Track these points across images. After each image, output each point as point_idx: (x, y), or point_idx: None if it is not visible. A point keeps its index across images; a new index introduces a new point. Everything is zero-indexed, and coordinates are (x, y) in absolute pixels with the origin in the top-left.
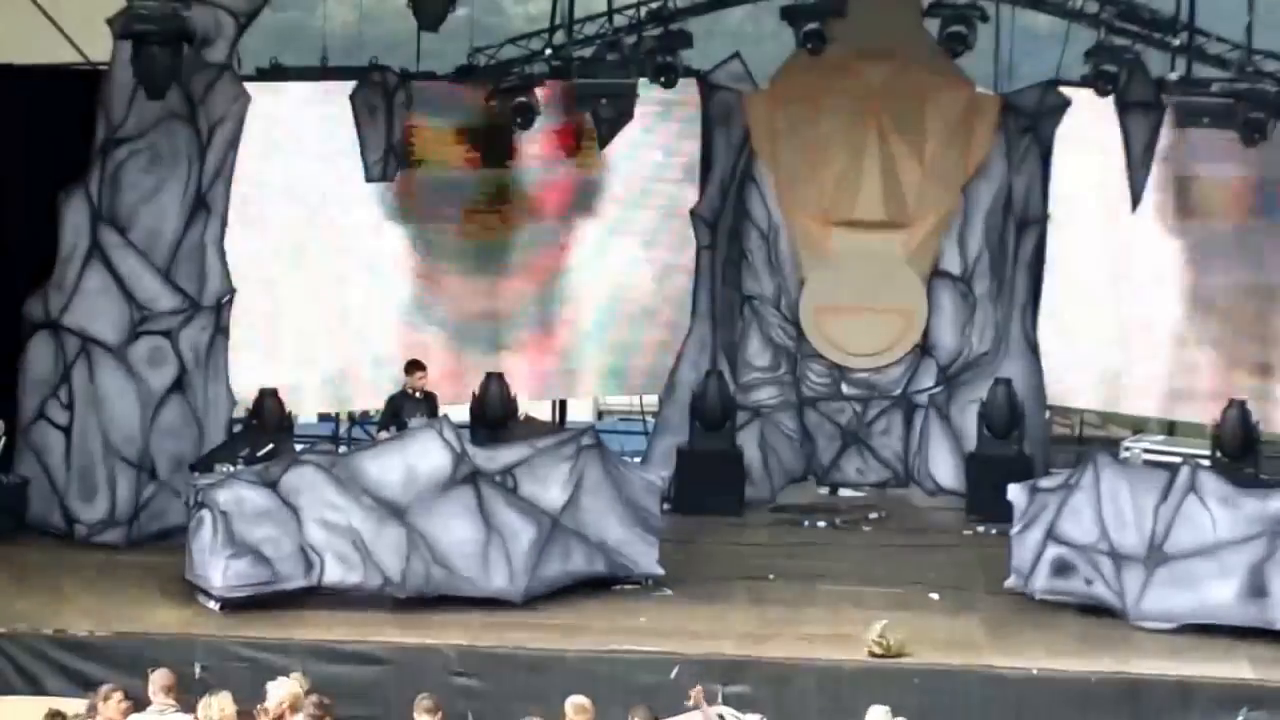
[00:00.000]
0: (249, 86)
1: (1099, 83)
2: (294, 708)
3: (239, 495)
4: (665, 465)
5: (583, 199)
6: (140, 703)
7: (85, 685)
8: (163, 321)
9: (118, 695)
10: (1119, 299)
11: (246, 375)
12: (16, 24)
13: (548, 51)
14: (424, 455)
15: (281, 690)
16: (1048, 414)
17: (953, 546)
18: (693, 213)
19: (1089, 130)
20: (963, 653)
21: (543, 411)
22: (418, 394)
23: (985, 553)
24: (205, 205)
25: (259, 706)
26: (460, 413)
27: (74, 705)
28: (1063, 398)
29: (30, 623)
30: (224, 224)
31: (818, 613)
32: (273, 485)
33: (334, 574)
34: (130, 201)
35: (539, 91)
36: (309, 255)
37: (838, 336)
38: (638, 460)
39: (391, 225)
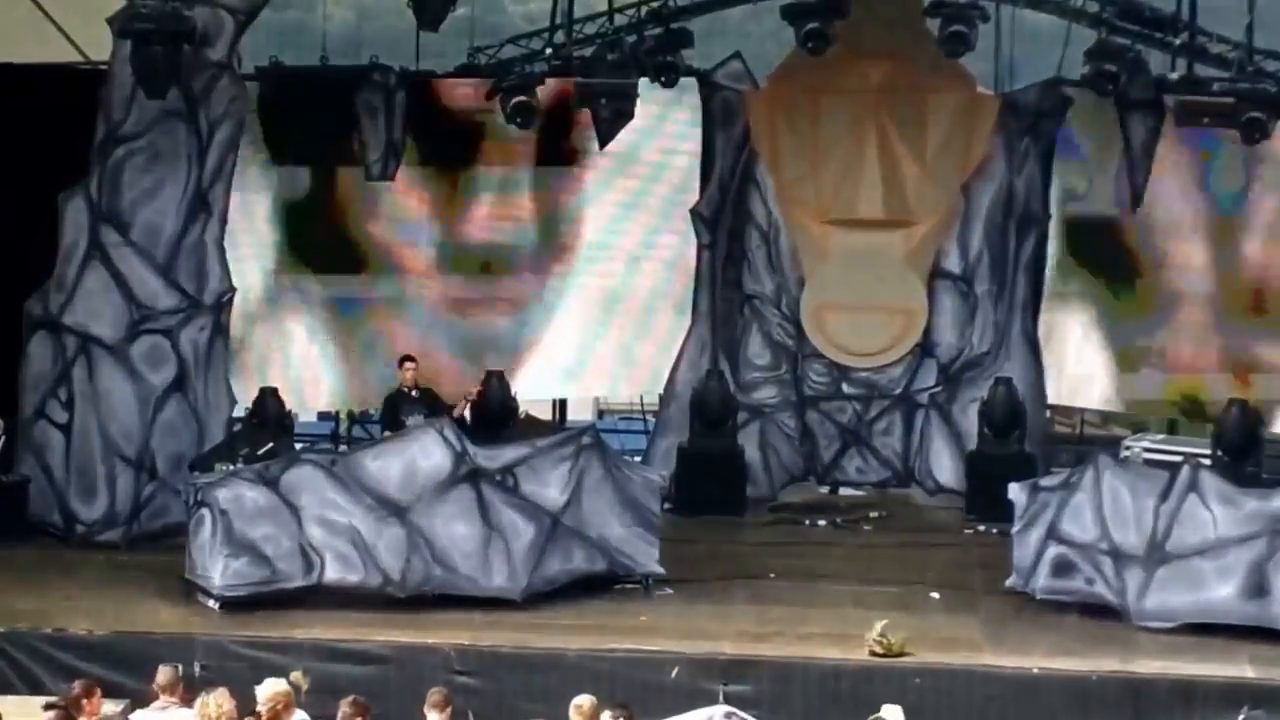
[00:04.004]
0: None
1: (1099, 82)
2: (288, 706)
3: (239, 494)
4: (666, 464)
5: (583, 199)
6: (141, 701)
7: None
8: (162, 320)
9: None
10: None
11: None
12: (16, 24)
13: (548, 51)
14: (424, 454)
15: (270, 690)
16: (1048, 413)
17: (953, 546)
18: (693, 212)
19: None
20: (963, 653)
21: (543, 411)
22: (414, 392)
23: (985, 552)
24: (205, 204)
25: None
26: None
27: None
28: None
29: (30, 622)
30: (224, 223)
31: (818, 612)
32: (273, 484)
33: (334, 573)
34: (130, 200)
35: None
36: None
37: (838, 336)
38: (638, 459)
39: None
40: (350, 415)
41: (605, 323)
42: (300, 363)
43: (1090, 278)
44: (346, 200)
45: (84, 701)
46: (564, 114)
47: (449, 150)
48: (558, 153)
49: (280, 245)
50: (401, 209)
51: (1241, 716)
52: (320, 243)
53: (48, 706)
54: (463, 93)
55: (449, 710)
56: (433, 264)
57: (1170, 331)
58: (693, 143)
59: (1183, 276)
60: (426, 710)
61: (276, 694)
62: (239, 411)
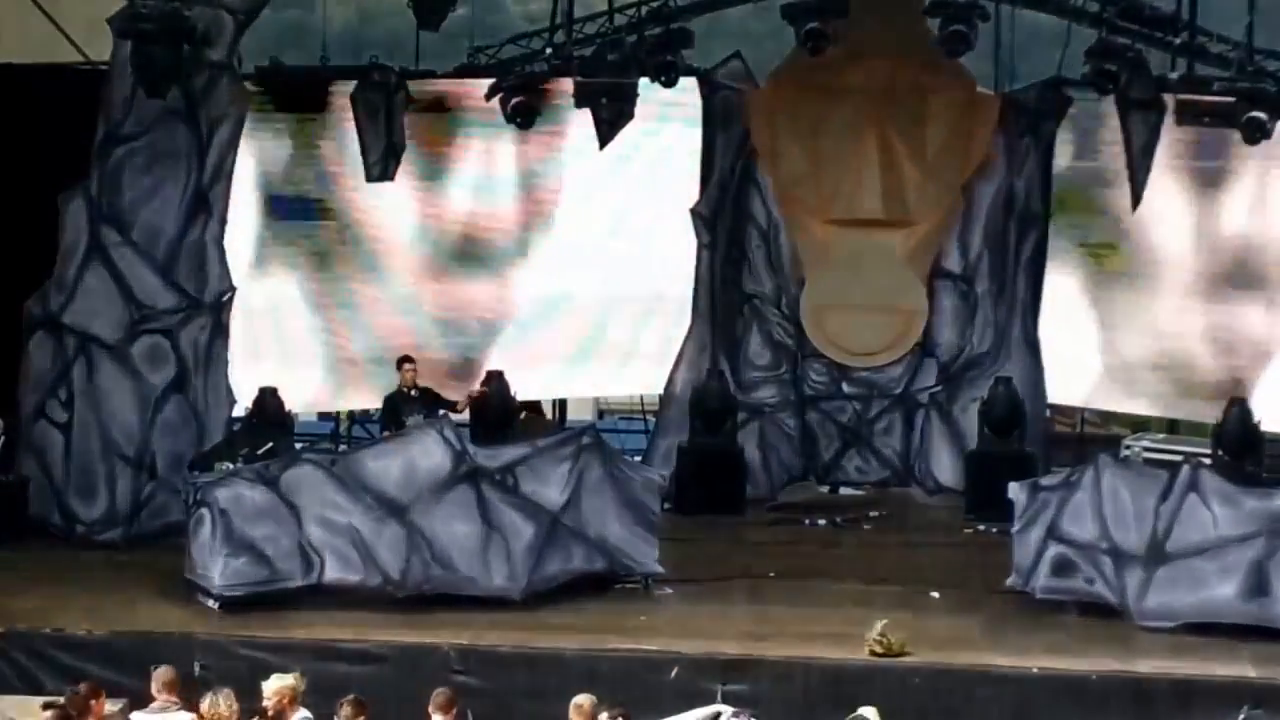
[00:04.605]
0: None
1: (1100, 82)
2: (292, 701)
3: (238, 494)
4: (666, 464)
5: (582, 198)
6: (140, 701)
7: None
8: (162, 320)
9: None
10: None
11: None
12: (16, 24)
13: (548, 51)
14: (424, 454)
15: (276, 685)
16: (1048, 413)
17: (953, 545)
18: (693, 211)
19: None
20: (963, 652)
21: (543, 411)
22: (413, 392)
23: (985, 552)
24: (205, 204)
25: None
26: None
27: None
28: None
29: (30, 622)
30: (223, 223)
31: (818, 612)
32: (272, 484)
33: (334, 573)
34: (130, 200)
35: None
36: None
37: (838, 336)
38: (638, 459)
39: (392, 222)
40: (350, 415)
41: (605, 322)
42: (293, 360)
43: (1082, 265)
44: (342, 197)
45: (90, 703)
46: (561, 111)
47: (445, 146)
48: (555, 150)
49: (273, 242)
50: (397, 206)
51: (1241, 716)
52: (315, 239)
53: (46, 706)
54: (459, 90)
55: (454, 712)
56: (429, 262)
57: (1158, 310)
58: (693, 143)
59: (1169, 255)
60: (431, 712)
61: (282, 688)
62: (239, 411)
